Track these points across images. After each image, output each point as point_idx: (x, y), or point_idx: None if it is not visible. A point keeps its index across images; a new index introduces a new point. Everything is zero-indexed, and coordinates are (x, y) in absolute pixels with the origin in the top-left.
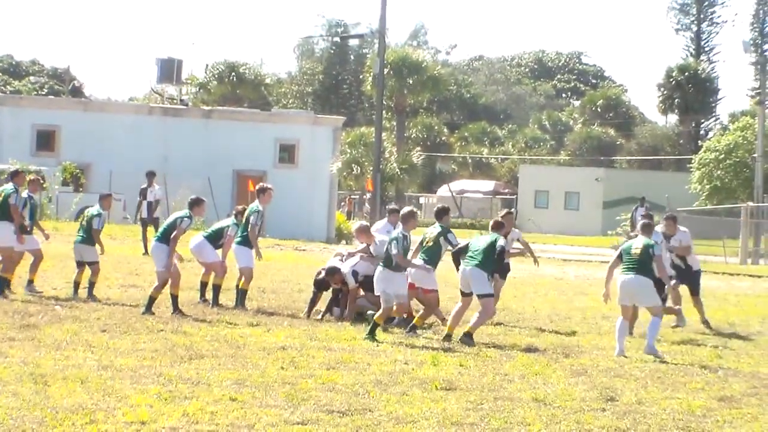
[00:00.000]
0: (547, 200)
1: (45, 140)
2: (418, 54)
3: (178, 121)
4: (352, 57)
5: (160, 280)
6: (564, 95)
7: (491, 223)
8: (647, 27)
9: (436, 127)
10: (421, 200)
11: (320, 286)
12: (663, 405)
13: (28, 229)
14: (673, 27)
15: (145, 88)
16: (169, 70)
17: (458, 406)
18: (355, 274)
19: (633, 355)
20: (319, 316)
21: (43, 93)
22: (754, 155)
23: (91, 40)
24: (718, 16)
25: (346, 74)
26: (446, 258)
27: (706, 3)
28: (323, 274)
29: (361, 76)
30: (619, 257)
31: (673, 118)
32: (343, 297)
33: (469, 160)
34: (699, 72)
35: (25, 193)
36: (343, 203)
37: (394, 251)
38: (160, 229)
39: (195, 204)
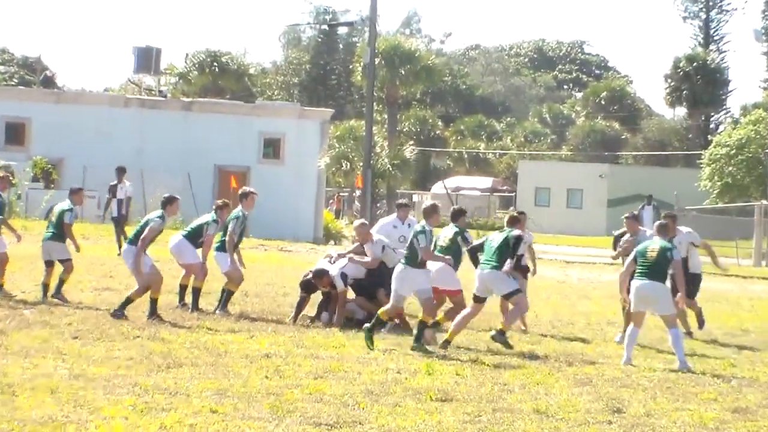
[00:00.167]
0: (548, 198)
1: (14, 133)
2: (410, 43)
3: (156, 113)
4: (341, 46)
5: (140, 285)
6: (566, 86)
7: (507, 218)
8: (653, 14)
9: (430, 121)
10: (415, 198)
11: (307, 288)
12: (673, 417)
13: None
14: (680, 14)
15: (122, 79)
16: (147, 60)
17: (454, 418)
18: (344, 276)
19: (641, 363)
20: (308, 321)
21: (13, 83)
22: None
23: (63, 27)
24: (728, 4)
25: (335, 64)
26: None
27: None
28: (310, 275)
29: (350, 66)
30: (634, 260)
31: (681, 111)
32: (332, 301)
33: (465, 156)
34: (708, 62)
35: None
36: (331, 201)
37: (422, 244)
38: (133, 231)
39: (168, 203)
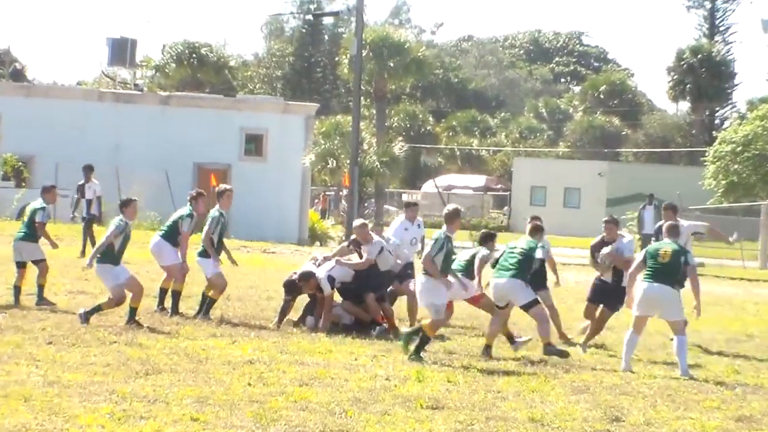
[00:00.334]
0: (544, 197)
1: None
2: (400, 34)
3: (132, 108)
4: (326, 37)
5: (115, 296)
6: (563, 80)
7: (529, 227)
8: (655, 4)
9: (420, 116)
10: (404, 197)
11: (291, 289)
12: (674, 426)
13: None
14: (684, 4)
15: (95, 72)
16: (122, 52)
17: (446, 426)
18: (331, 279)
19: (641, 370)
20: (292, 325)
21: None
22: None
23: (33, 17)
24: None
25: (320, 56)
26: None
27: None
28: (295, 276)
29: (336, 59)
30: (643, 261)
31: (684, 105)
32: (318, 305)
33: (458, 153)
34: (713, 54)
35: None
36: (316, 200)
37: (428, 251)
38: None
39: (124, 206)
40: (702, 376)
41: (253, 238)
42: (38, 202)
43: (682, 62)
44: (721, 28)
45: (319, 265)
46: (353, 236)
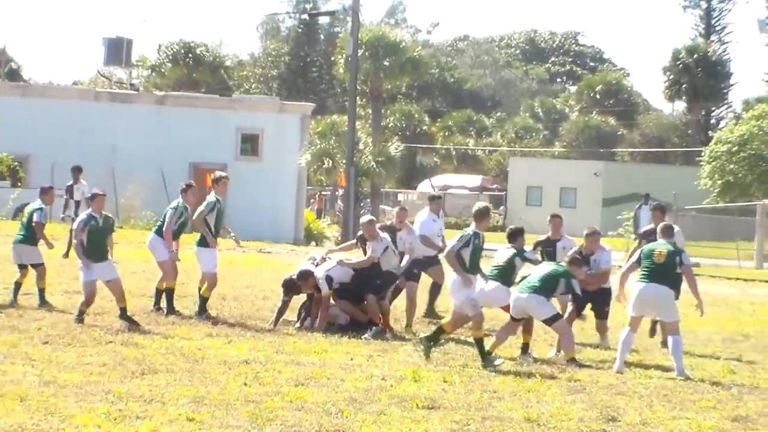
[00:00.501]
0: (540, 197)
1: None
2: (395, 33)
3: (128, 107)
4: (322, 36)
5: (84, 293)
6: (559, 80)
7: (569, 259)
8: (651, 3)
9: (416, 116)
10: (400, 197)
11: (290, 289)
12: (670, 426)
13: None
14: (680, 4)
15: (91, 71)
16: (118, 51)
17: (442, 426)
18: (329, 279)
19: (636, 370)
20: (298, 324)
21: None
22: None
23: (29, 17)
24: None
25: (316, 56)
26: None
27: None
28: (295, 275)
29: (332, 58)
30: (637, 262)
31: (680, 105)
32: (314, 305)
33: (453, 152)
34: (709, 54)
35: None
36: (312, 200)
37: (453, 243)
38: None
39: (91, 199)
40: (698, 376)
41: (249, 237)
42: (36, 203)
43: (678, 62)
44: (717, 28)
45: (318, 264)
46: (360, 232)
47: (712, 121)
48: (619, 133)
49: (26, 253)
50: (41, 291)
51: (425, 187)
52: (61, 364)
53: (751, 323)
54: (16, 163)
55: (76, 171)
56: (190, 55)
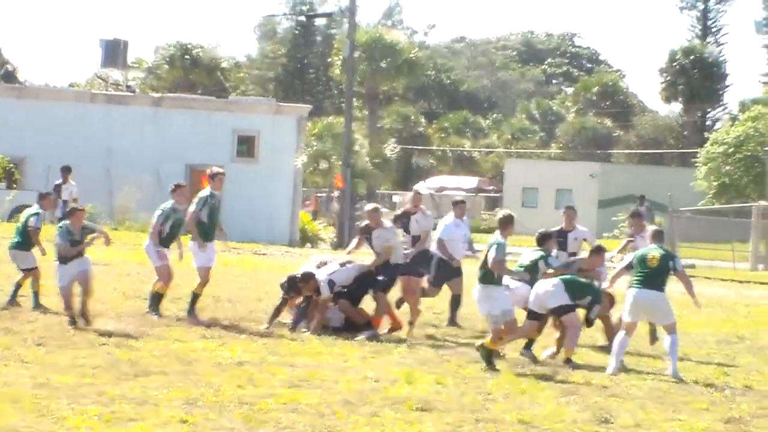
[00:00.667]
0: (536, 199)
1: None
2: (392, 35)
3: (124, 109)
4: (318, 38)
5: (62, 297)
6: (555, 81)
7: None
8: (648, 5)
9: (412, 117)
10: (395, 198)
11: (291, 287)
12: (663, 427)
13: None
14: (676, 5)
15: (87, 73)
16: (114, 53)
17: (435, 428)
18: (331, 284)
19: (630, 372)
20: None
21: None
22: (767, 148)
23: (25, 18)
24: None
25: (313, 57)
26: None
27: None
28: (298, 275)
29: (329, 60)
30: (626, 267)
31: (676, 107)
32: (311, 307)
33: (450, 154)
34: (705, 55)
35: None
36: (308, 202)
37: (494, 256)
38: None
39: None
40: (691, 378)
41: (244, 239)
42: (34, 208)
43: (675, 63)
44: (714, 30)
45: (319, 267)
46: (365, 222)
47: (708, 122)
48: (615, 134)
49: (19, 258)
50: (35, 294)
51: (421, 188)
52: (54, 366)
53: (746, 325)
54: (11, 165)
55: (65, 171)
56: (187, 57)
